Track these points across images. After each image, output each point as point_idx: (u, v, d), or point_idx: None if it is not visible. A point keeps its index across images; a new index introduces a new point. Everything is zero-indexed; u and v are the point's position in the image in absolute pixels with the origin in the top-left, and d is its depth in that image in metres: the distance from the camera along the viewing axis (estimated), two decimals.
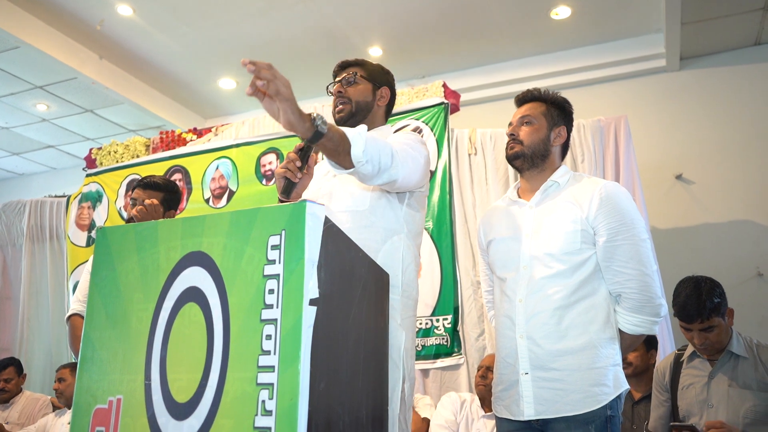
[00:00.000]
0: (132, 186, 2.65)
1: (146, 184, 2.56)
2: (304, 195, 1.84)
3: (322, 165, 1.93)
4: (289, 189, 1.67)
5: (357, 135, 1.48)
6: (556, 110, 1.96)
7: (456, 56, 5.14)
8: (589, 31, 4.77)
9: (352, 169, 1.51)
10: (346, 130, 1.49)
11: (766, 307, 4.01)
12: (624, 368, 2.91)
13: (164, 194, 2.54)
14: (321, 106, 4.25)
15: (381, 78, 1.96)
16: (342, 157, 1.48)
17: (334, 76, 1.97)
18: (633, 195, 3.54)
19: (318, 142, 1.42)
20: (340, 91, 1.90)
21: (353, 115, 1.89)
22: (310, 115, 1.40)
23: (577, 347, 1.70)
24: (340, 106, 1.90)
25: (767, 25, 4.34)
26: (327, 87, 1.97)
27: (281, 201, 1.78)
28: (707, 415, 2.35)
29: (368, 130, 1.83)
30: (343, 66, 1.97)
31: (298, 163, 1.63)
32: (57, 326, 4.89)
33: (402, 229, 1.78)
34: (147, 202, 2.37)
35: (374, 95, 1.93)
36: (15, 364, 4.21)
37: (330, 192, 1.82)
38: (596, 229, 1.77)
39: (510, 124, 1.97)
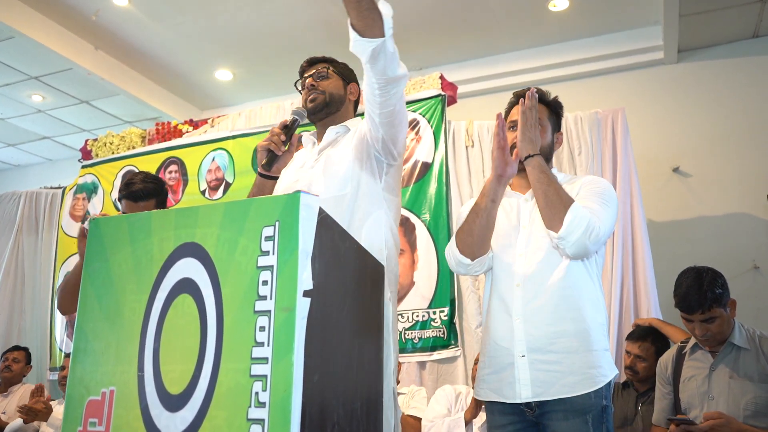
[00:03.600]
0: (120, 192, 2.39)
1: (136, 196, 2.31)
2: (278, 189, 1.88)
3: (298, 157, 1.97)
4: (272, 161, 1.79)
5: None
6: (553, 115, 1.99)
7: (453, 48, 5.12)
8: (587, 23, 4.75)
9: (381, 40, 1.67)
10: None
11: (762, 300, 4.01)
12: (634, 363, 2.89)
13: (156, 200, 2.38)
14: None
15: (350, 75, 2.02)
16: (372, 15, 1.63)
17: (302, 72, 2.01)
18: (630, 187, 3.56)
19: None
20: (314, 84, 1.94)
21: (327, 105, 1.93)
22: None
23: (574, 330, 1.74)
24: (313, 95, 1.93)
25: (765, 17, 4.33)
26: (295, 83, 2.00)
27: (260, 174, 1.87)
28: (708, 407, 2.33)
29: (340, 122, 1.93)
30: (312, 62, 2.01)
31: (283, 137, 1.79)
32: (46, 318, 4.88)
33: (382, 205, 1.81)
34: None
35: (345, 90, 1.99)
36: (26, 351, 4.33)
37: (309, 183, 1.82)
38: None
39: (513, 123, 1.91)
